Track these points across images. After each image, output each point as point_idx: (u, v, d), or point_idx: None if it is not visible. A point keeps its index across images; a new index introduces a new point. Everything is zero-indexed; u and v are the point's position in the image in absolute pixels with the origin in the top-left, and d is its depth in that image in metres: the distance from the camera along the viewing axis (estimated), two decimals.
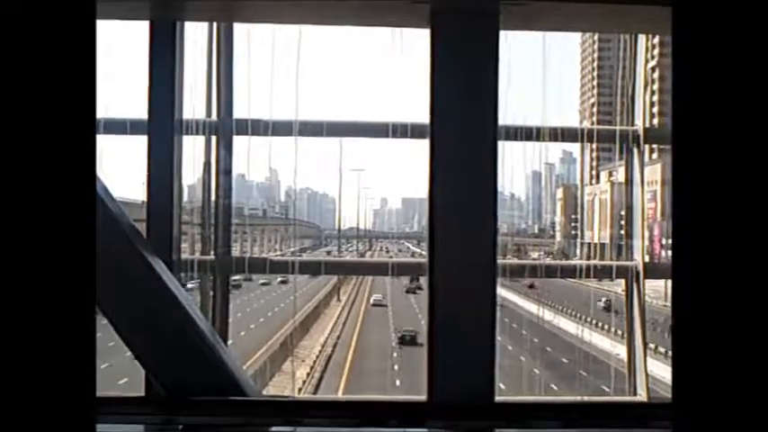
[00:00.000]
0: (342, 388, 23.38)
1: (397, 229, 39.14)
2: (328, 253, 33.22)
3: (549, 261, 27.43)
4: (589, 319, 24.57)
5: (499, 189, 6.93)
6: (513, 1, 6.30)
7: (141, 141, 7.23)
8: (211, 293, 11.36)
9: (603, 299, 24.51)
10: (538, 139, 13.57)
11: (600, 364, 19.40)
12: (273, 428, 6.31)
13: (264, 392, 15.63)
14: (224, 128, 11.57)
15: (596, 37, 34.87)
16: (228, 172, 11.98)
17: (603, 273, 17.72)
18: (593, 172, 33.53)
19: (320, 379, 25.72)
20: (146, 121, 7.23)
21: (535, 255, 32.11)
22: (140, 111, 7.27)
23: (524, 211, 36.42)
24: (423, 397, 6.55)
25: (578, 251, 32.21)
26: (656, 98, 27.17)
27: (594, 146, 30.02)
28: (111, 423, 5.37)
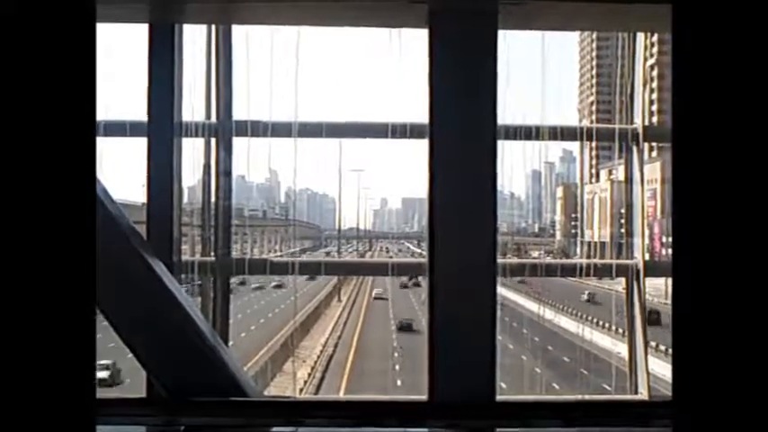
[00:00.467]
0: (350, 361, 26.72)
1: (397, 229, 39.18)
2: (327, 254, 33.25)
3: (549, 260, 27.46)
4: (571, 310, 27.36)
5: (499, 188, 6.93)
6: (512, 0, 6.30)
7: (141, 143, 7.23)
8: (212, 295, 11.37)
9: (586, 292, 27.76)
10: (537, 138, 13.57)
11: (574, 348, 23.25)
12: (274, 429, 6.31)
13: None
14: (223, 129, 11.57)
15: (595, 35, 34.90)
16: (228, 173, 11.98)
17: (604, 271, 17.72)
18: (593, 170, 33.56)
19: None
20: (145, 123, 7.23)
21: (535, 254, 32.14)
22: (140, 113, 7.27)
23: (524, 211, 36.45)
24: (423, 397, 6.55)
25: (578, 250, 32.23)
26: (655, 96, 27.19)
27: (594, 144, 30.05)
28: (112, 424, 5.37)
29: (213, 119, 11.60)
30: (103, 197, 6.29)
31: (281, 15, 7.55)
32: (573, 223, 33.43)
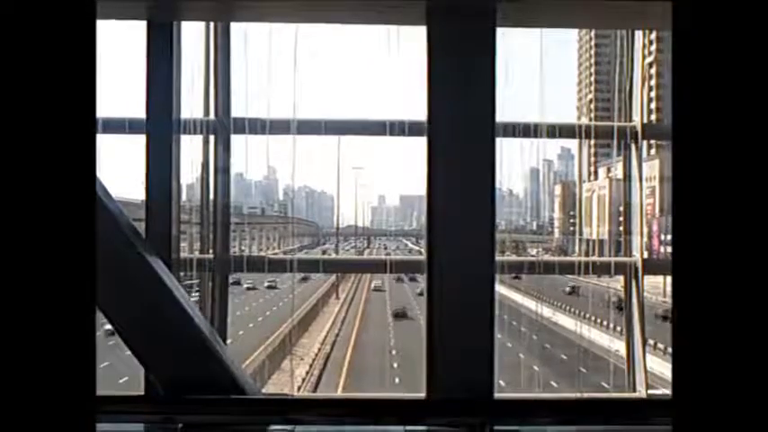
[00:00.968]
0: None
1: (396, 226, 39.22)
2: (324, 252, 33.30)
3: (547, 258, 27.50)
4: (552, 301, 29.10)
5: (497, 186, 6.93)
6: None
7: (140, 140, 7.23)
8: (210, 292, 11.38)
9: (570, 284, 29.68)
10: (536, 135, 13.60)
11: (552, 332, 26.69)
12: (273, 427, 6.31)
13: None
14: (222, 127, 11.59)
15: (593, 33, 34.87)
16: (227, 170, 12.00)
17: (602, 269, 17.74)
18: (592, 168, 33.54)
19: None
20: (144, 121, 7.22)
21: (533, 251, 32.17)
22: (139, 110, 7.27)
23: (522, 208, 36.45)
24: (422, 394, 6.56)
25: (577, 248, 32.25)
26: (653, 94, 27.17)
27: (593, 142, 30.03)
28: (110, 422, 5.37)
29: (212, 116, 11.61)
30: (102, 194, 6.29)
31: (280, 13, 7.54)
32: (571, 221, 33.42)
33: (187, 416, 6.18)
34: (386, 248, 36.14)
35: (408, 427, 6.12)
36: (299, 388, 24.31)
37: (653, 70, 27.86)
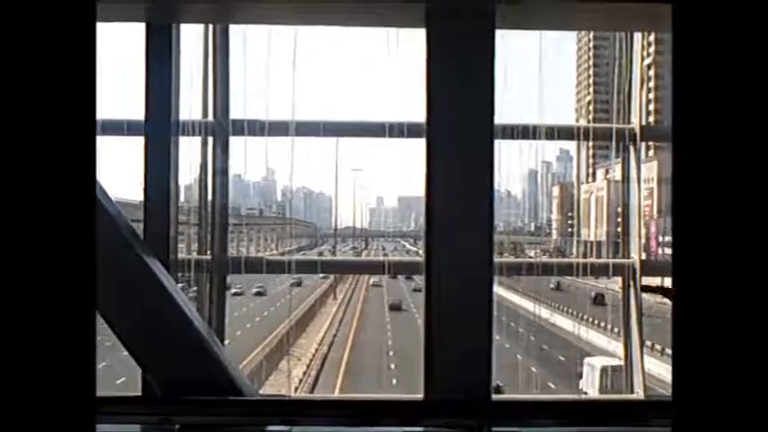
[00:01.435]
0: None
1: (394, 227, 39.32)
2: (320, 253, 33.39)
3: (545, 259, 27.53)
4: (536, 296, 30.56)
5: (496, 187, 6.93)
6: (509, 0, 6.30)
7: (138, 142, 7.23)
8: (207, 293, 11.39)
9: (554, 281, 31.45)
10: (534, 137, 13.62)
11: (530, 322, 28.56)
12: (270, 428, 6.31)
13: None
14: (220, 128, 11.60)
15: (592, 35, 34.92)
16: (225, 172, 12.01)
17: (600, 270, 17.77)
18: (590, 170, 33.60)
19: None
20: (143, 122, 7.22)
21: (532, 253, 32.23)
22: (137, 112, 7.26)
23: (521, 210, 36.51)
24: (419, 396, 6.56)
25: (575, 249, 32.30)
26: (652, 96, 27.20)
27: (591, 144, 30.08)
28: (107, 423, 5.36)
29: (210, 117, 11.62)
30: (101, 196, 6.29)
31: (279, 15, 7.54)
32: (569, 222, 33.45)
33: (184, 417, 6.17)
34: (384, 249, 36.35)
35: (406, 428, 6.12)
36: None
37: (651, 72, 27.89)
